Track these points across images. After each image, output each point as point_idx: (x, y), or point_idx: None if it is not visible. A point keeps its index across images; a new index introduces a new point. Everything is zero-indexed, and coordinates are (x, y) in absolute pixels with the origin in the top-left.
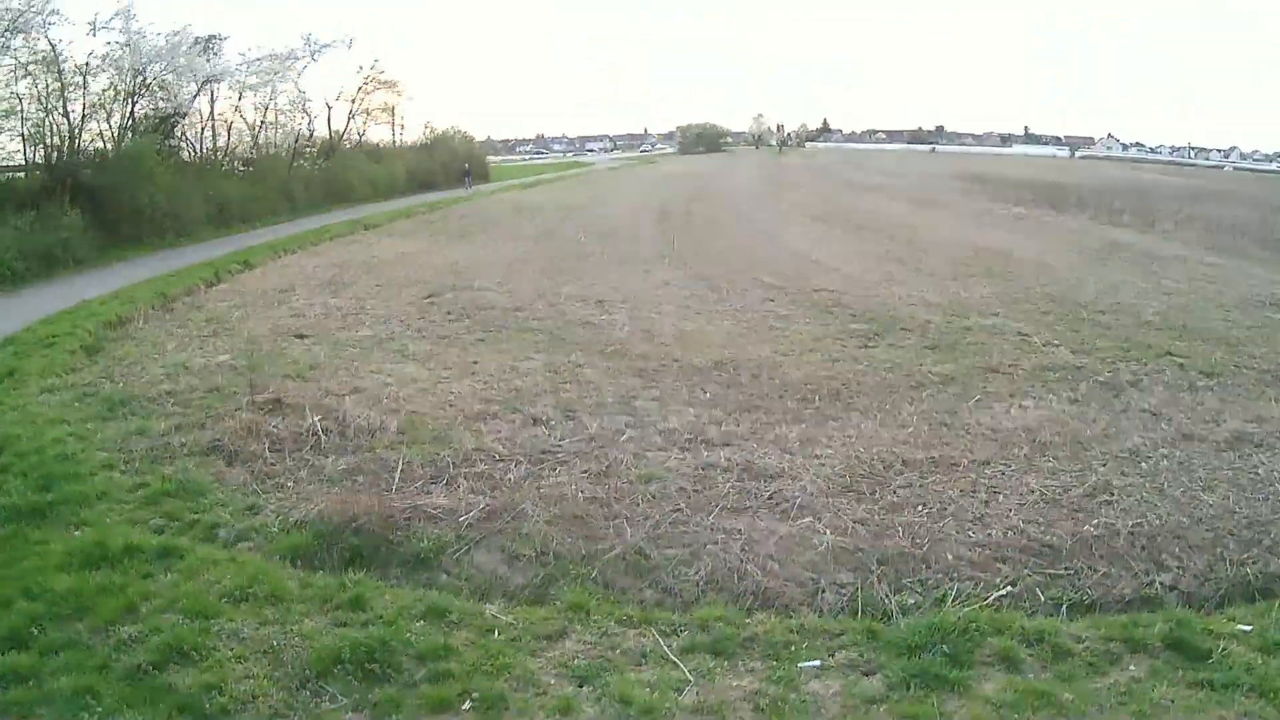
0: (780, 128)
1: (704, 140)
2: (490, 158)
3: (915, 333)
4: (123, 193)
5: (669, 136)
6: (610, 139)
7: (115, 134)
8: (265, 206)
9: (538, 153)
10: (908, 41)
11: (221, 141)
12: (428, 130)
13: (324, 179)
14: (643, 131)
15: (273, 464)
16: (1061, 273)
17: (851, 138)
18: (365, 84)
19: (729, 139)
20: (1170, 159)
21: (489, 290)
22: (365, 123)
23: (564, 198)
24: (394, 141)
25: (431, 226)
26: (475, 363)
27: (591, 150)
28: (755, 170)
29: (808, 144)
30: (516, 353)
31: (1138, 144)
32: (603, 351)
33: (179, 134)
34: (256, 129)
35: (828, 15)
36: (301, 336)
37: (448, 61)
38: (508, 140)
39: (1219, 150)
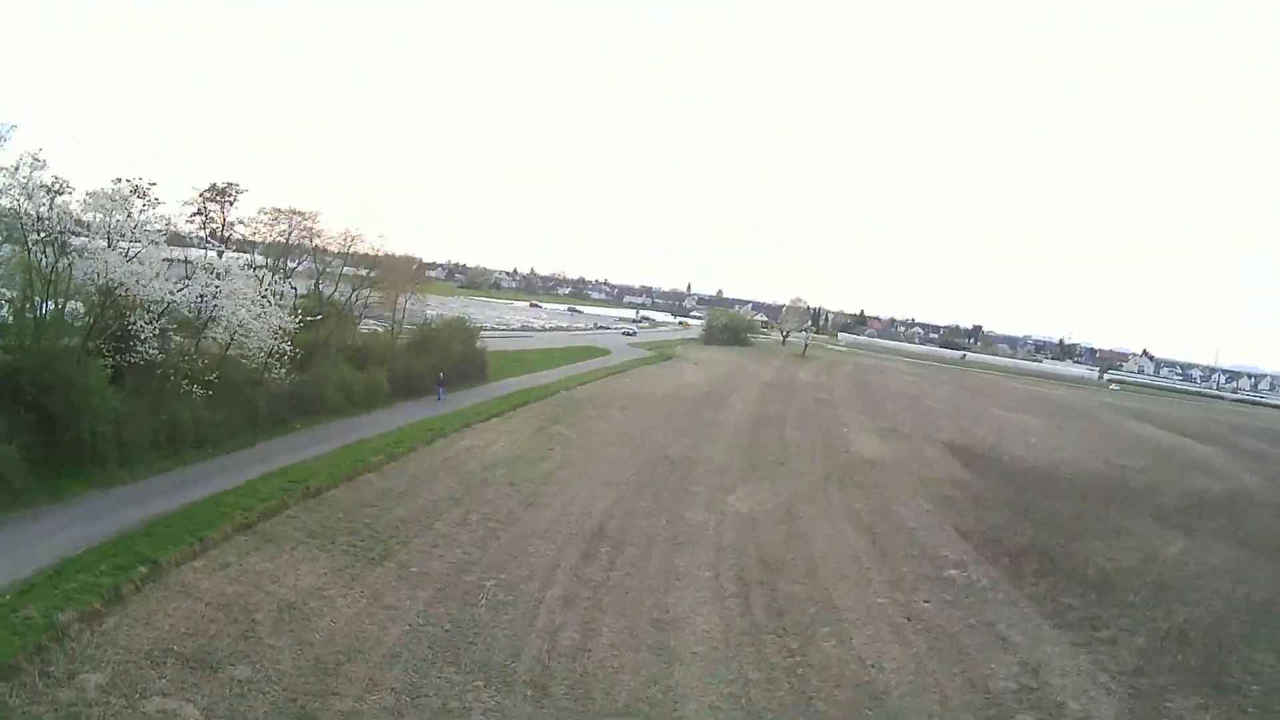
0: (817, 315)
1: (730, 330)
2: (520, 317)
3: None
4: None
5: (704, 302)
6: (650, 294)
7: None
8: (225, 426)
9: (572, 310)
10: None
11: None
12: (431, 318)
13: (293, 389)
14: (686, 288)
15: None
16: None
17: (888, 330)
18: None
19: (759, 324)
20: (1200, 387)
21: None
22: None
23: (528, 451)
24: (392, 333)
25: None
26: None
27: (634, 306)
28: (755, 396)
29: (841, 334)
30: None
31: (1170, 365)
32: None
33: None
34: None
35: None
36: None
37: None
38: (548, 279)
39: (1249, 376)
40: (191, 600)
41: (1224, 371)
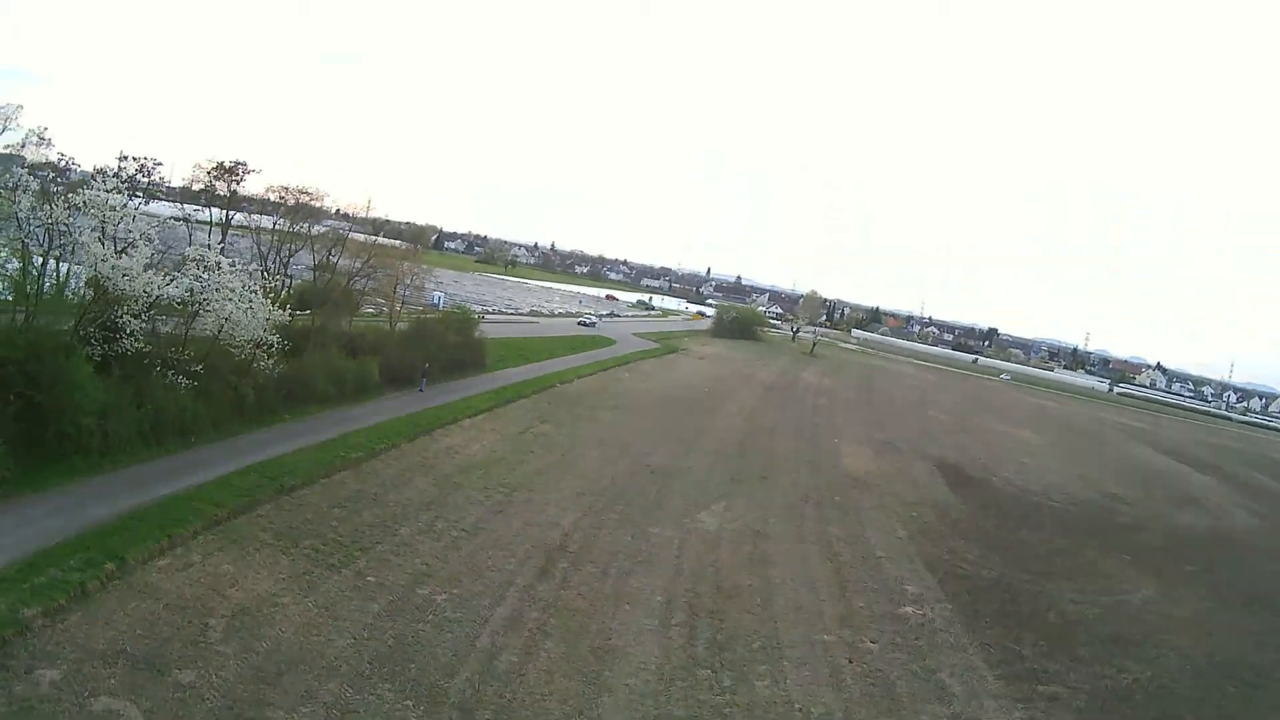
0: (833, 310)
1: (739, 324)
2: (543, 286)
3: None
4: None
5: (722, 289)
6: (669, 277)
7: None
8: (210, 416)
9: (606, 313)
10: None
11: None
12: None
13: (282, 379)
14: (705, 272)
15: None
16: None
17: (903, 329)
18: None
19: (769, 319)
20: (1210, 406)
21: None
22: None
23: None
24: (389, 320)
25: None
26: None
27: (650, 290)
28: (752, 401)
29: (854, 330)
30: None
31: (1183, 379)
32: None
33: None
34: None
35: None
36: None
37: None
38: (567, 256)
39: (1260, 396)
40: (151, 601)
41: (1236, 390)
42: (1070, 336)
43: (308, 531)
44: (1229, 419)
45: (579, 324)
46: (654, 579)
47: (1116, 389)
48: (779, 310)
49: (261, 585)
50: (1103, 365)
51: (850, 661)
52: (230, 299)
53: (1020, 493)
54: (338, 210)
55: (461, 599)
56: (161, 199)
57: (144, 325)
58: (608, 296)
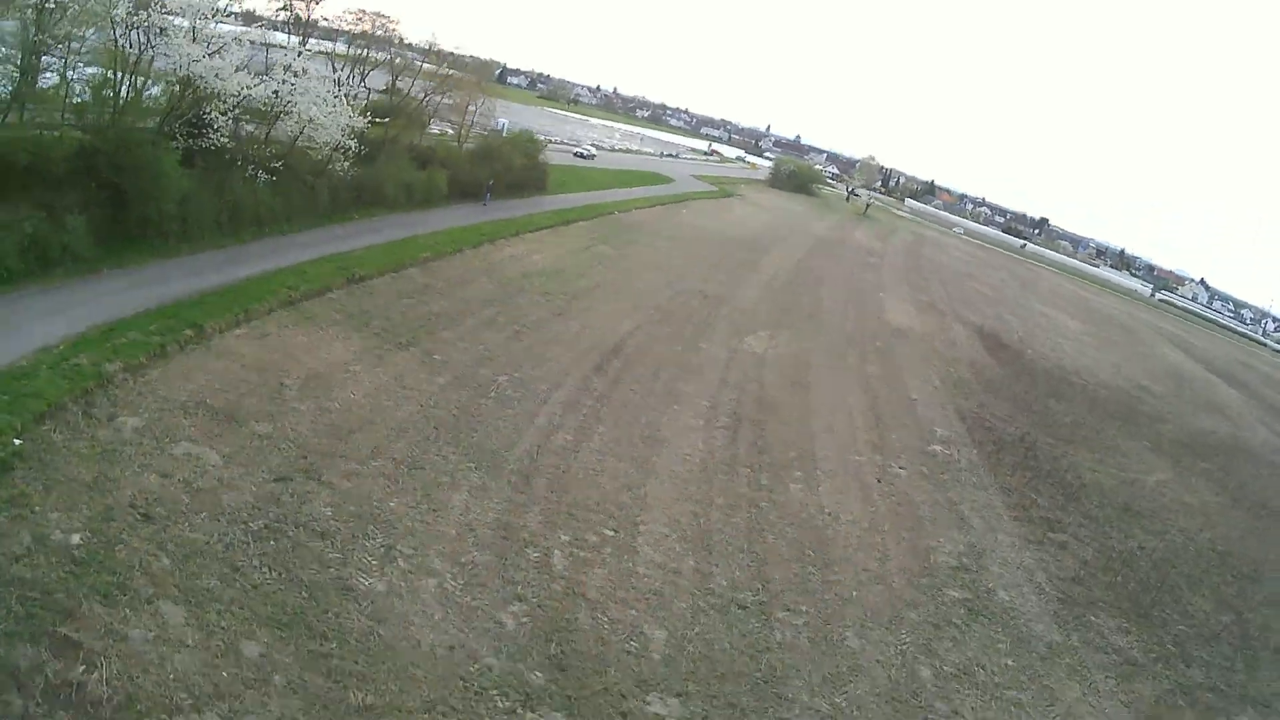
0: (888, 177)
1: (796, 178)
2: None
3: None
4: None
5: (780, 145)
6: (728, 129)
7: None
8: (286, 211)
9: (670, 154)
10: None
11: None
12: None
13: (356, 182)
14: (765, 128)
15: None
16: None
17: (956, 205)
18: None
19: (826, 176)
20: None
21: None
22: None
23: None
24: (459, 139)
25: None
26: None
27: (710, 139)
28: (803, 248)
29: (908, 200)
30: None
31: (1225, 299)
32: None
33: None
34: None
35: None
36: None
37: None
38: (629, 100)
39: None
40: (228, 362)
41: (1275, 320)
42: (1118, 239)
43: (377, 315)
44: (1263, 344)
45: (574, 155)
46: (701, 387)
47: (1158, 295)
48: (835, 170)
49: (334, 355)
50: (1147, 271)
51: (879, 481)
52: (315, 102)
53: (1053, 367)
54: (403, 40)
55: (522, 382)
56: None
57: (229, 124)
58: (711, 149)
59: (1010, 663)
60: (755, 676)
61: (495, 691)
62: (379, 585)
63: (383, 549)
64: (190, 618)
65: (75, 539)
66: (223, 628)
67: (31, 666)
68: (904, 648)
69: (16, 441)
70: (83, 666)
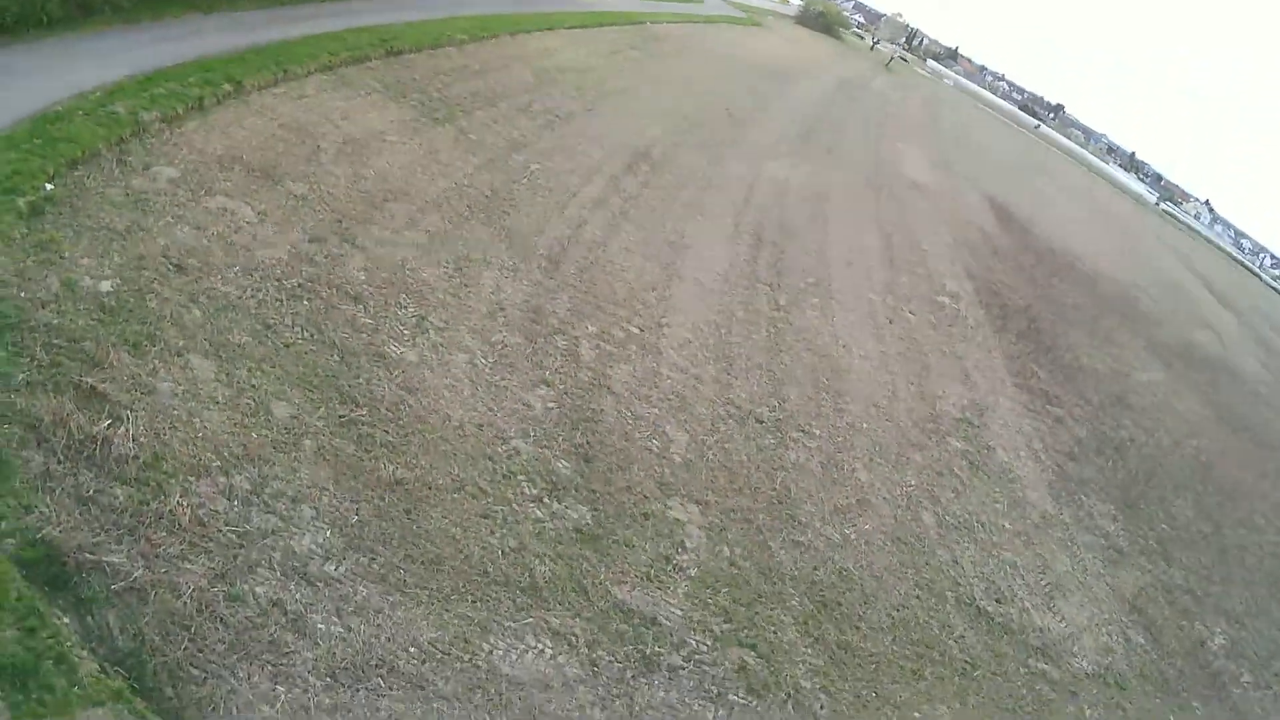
0: (912, 36)
1: (825, 20)
2: None
3: None
4: None
5: None
6: None
7: None
8: None
9: None
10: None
11: None
12: None
13: None
14: None
15: None
16: None
17: (976, 75)
18: None
19: (852, 24)
20: (1246, 259)
21: None
22: None
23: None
24: None
25: None
26: None
27: None
28: (827, 87)
29: (929, 61)
30: None
31: (1227, 225)
32: None
33: None
34: None
35: None
36: None
37: None
38: None
39: None
40: (266, 119)
41: (1274, 257)
42: (1128, 142)
43: (414, 88)
44: (1260, 278)
45: None
46: (725, 202)
47: (1163, 205)
48: (861, 20)
49: (371, 122)
50: (1155, 180)
51: (890, 322)
52: None
53: (1059, 247)
54: None
55: (554, 172)
56: None
57: None
58: None
59: (1007, 525)
60: (770, 495)
61: (523, 477)
62: (410, 355)
63: (415, 319)
64: (220, 373)
65: (105, 286)
66: (253, 385)
67: (54, 420)
68: (909, 490)
69: (48, 186)
70: (108, 421)
